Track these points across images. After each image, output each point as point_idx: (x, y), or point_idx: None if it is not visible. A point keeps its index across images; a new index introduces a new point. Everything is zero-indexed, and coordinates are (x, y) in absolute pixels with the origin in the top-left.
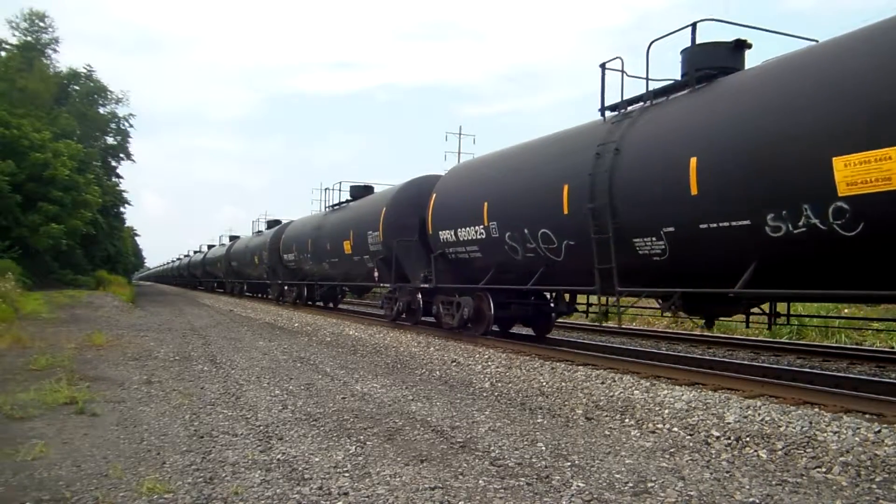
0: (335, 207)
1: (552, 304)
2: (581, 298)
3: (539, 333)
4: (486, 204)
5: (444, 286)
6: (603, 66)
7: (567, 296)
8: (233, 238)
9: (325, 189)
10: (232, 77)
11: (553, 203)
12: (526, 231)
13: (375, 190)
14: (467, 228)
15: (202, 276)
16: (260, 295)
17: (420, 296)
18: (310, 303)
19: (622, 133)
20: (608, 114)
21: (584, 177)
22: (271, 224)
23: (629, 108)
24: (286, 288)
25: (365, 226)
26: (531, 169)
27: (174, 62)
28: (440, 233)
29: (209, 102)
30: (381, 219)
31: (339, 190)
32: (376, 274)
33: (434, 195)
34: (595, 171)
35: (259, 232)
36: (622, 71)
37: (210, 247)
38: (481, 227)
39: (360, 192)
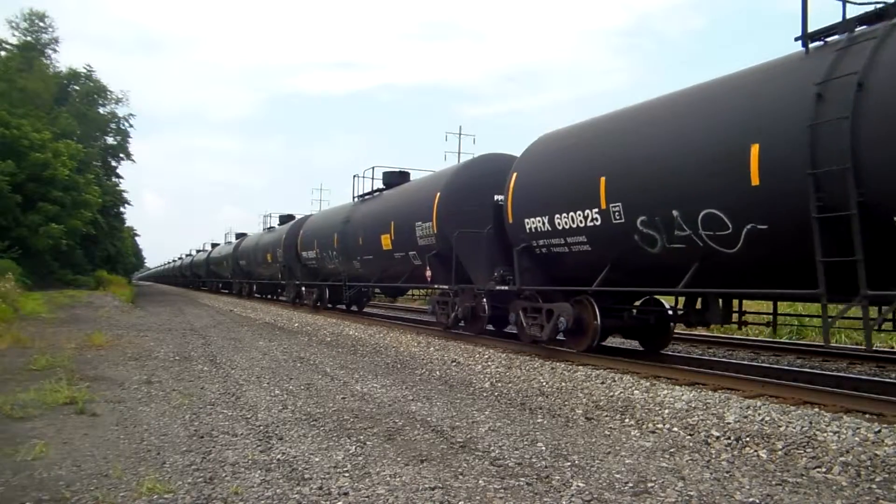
0: (366, 197)
1: (671, 312)
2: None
3: (651, 348)
4: (603, 180)
5: (528, 289)
6: None
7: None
8: (240, 235)
9: (355, 176)
10: (232, 77)
11: (730, 172)
12: (675, 214)
13: (412, 177)
14: (570, 214)
15: (206, 275)
16: (270, 297)
17: (485, 300)
18: (330, 306)
19: (865, 62)
20: (812, 44)
21: (794, 130)
22: (284, 219)
23: (857, 31)
24: (304, 289)
25: (411, 216)
26: (686, 127)
27: (174, 62)
28: (526, 221)
29: (209, 102)
30: (435, 206)
31: (373, 178)
32: (428, 273)
33: (515, 175)
34: (819, 121)
35: (271, 228)
36: None
37: (214, 245)
38: (595, 210)
39: (396, 178)
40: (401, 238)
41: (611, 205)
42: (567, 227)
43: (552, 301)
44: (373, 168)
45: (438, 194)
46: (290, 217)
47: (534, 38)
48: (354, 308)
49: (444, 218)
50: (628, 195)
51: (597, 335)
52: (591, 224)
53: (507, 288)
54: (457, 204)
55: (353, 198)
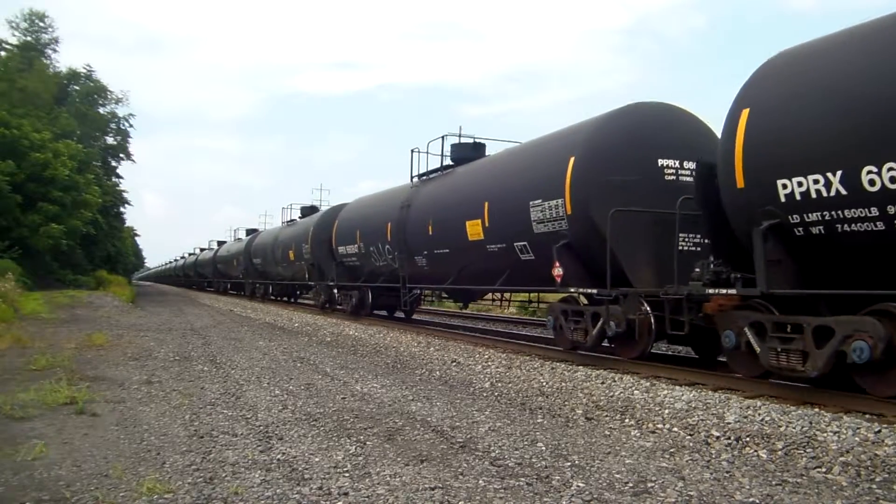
0: (432, 175)
1: None
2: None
3: None
4: None
5: (784, 293)
6: None
7: None
8: (251, 231)
9: (413, 151)
10: (232, 77)
11: None
12: None
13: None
14: None
15: (213, 275)
16: (288, 300)
17: (649, 309)
18: (376, 313)
19: None
20: None
21: None
22: (307, 211)
23: None
24: (336, 292)
25: (521, 193)
26: None
27: (174, 62)
28: (780, 184)
29: (209, 102)
30: (568, 177)
31: (442, 154)
32: (558, 271)
33: (745, 113)
34: None
35: (292, 221)
36: None
37: (221, 243)
38: None
39: (469, 152)
40: (501, 224)
41: None
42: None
43: (812, 313)
44: (442, 138)
45: (573, 160)
46: (314, 209)
47: (534, 38)
48: (401, 315)
49: (584, 192)
50: None
51: None
52: None
53: (730, 292)
54: (606, 171)
55: (412, 177)
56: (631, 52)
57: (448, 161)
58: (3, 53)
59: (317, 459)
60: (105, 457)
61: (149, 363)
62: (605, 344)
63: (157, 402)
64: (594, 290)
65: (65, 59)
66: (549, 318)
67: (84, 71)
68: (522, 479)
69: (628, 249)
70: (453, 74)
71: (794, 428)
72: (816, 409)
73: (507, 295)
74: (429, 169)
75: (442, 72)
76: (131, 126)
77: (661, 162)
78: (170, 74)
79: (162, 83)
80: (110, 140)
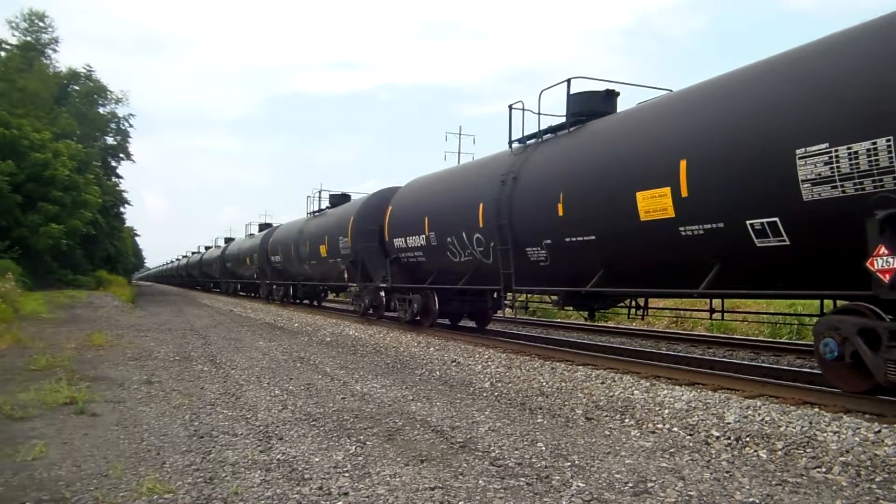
0: (541, 138)
1: None
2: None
3: None
4: None
5: None
6: None
7: None
8: (264, 227)
9: (512, 107)
10: (232, 77)
11: None
12: None
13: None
14: None
15: (220, 275)
16: (310, 302)
17: None
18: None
19: None
20: None
21: None
22: (336, 200)
23: None
24: (385, 296)
25: (769, 137)
26: None
27: (174, 62)
28: None
29: (209, 102)
30: None
31: (568, 114)
32: (885, 262)
33: None
34: None
35: (320, 211)
36: None
37: (228, 241)
38: None
39: (600, 104)
40: (717, 192)
41: None
42: None
43: None
44: (568, 81)
45: None
46: (345, 196)
47: (535, 38)
48: (472, 324)
49: None
50: None
51: None
52: None
53: None
54: None
55: (510, 142)
56: (631, 52)
57: (550, 120)
58: (2, 53)
59: (317, 459)
60: (105, 457)
61: (149, 363)
62: None
63: (157, 402)
64: None
65: (65, 59)
66: (828, 341)
67: (84, 71)
68: (522, 479)
69: None
70: (453, 74)
71: (794, 428)
72: (816, 409)
73: (639, 301)
74: (540, 129)
75: (442, 72)
76: (131, 126)
77: None
78: (170, 74)
79: (162, 83)
80: (110, 140)
